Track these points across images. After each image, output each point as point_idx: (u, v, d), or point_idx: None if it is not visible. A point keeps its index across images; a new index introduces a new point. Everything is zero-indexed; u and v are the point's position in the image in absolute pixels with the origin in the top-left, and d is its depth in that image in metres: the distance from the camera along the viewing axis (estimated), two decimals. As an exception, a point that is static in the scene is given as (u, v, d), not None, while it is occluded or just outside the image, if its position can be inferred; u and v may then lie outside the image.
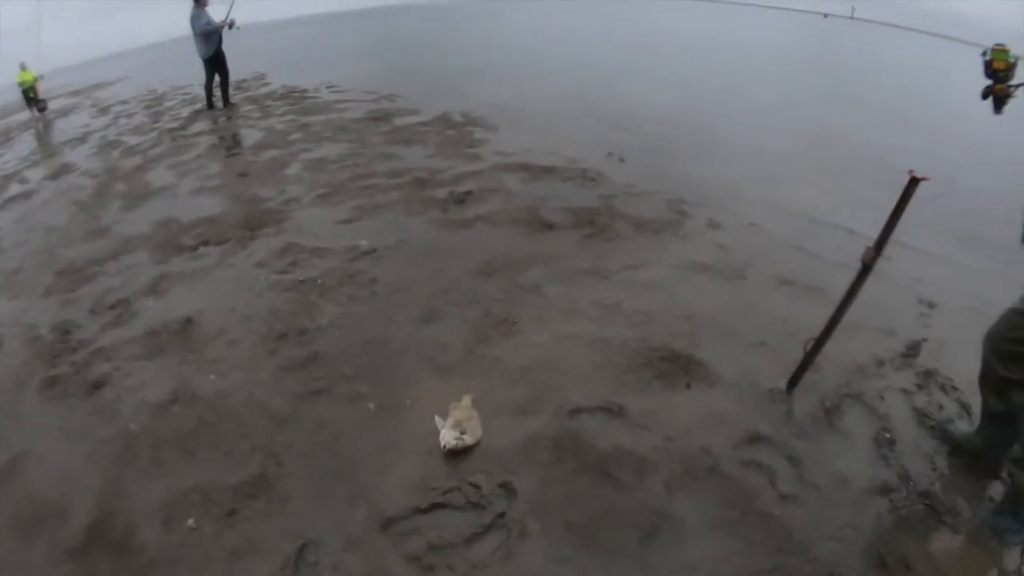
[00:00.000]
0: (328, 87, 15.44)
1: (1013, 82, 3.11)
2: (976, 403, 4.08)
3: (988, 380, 3.53)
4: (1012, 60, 3.13)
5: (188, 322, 5.24)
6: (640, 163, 9.42)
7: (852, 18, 76.32)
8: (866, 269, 3.66)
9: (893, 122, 14.35)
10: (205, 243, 6.80)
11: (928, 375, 4.60)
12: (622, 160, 9.48)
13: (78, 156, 11.59)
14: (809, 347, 4.12)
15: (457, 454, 3.71)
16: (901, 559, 3.16)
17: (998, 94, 3.07)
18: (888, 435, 3.99)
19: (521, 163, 8.99)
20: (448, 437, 3.72)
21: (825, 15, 69.90)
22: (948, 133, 12.38)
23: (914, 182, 3.26)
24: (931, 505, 3.50)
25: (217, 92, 14.35)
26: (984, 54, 3.15)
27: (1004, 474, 3.38)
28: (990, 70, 3.10)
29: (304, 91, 15.18)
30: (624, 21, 37.15)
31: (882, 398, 4.34)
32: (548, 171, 8.73)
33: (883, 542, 3.26)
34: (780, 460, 3.79)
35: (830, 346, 4.02)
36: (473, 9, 46.47)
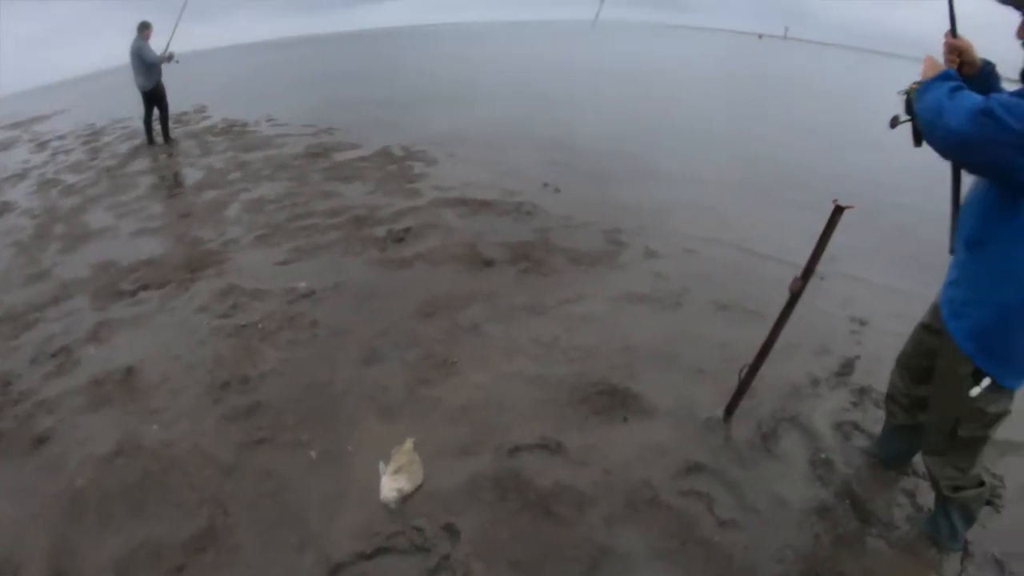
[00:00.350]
0: (268, 120, 15.50)
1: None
2: None
3: (895, 397, 3.83)
4: None
5: (131, 371, 5.25)
6: (576, 193, 9.60)
7: (786, 38, 77.69)
8: (794, 297, 3.83)
9: (825, 142, 14.73)
10: (146, 287, 6.80)
11: (863, 392, 4.85)
12: (558, 191, 9.66)
13: (17, 194, 11.41)
14: (744, 374, 4.32)
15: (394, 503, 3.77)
16: None
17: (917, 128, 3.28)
18: (823, 455, 4.19)
19: (460, 198, 9.14)
20: (387, 491, 3.79)
21: (760, 36, 71.11)
22: (880, 152, 12.68)
23: (839, 210, 3.48)
24: (867, 520, 3.71)
25: (157, 126, 14.21)
26: (902, 93, 3.36)
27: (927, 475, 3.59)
28: (908, 107, 3.31)
29: (244, 125, 15.20)
30: (563, 50, 37.47)
31: (818, 419, 4.54)
32: (486, 205, 8.88)
33: (821, 560, 3.44)
34: (719, 487, 3.95)
35: (766, 370, 4.20)
36: (416, 38, 46.54)
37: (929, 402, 3.41)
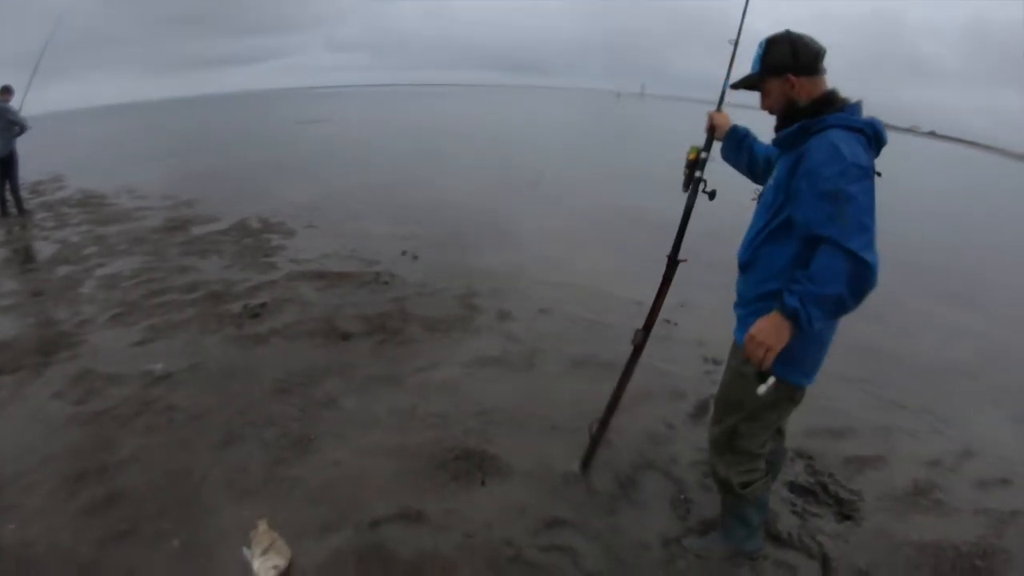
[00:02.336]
0: (127, 191, 15.38)
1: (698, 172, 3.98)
2: None
3: None
4: (702, 154, 4.00)
5: (-16, 466, 5.17)
6: (433, 259, 9.91)
7: (643, 95, 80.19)
8: (637, 350, 4.18)
9: (671, 189, 15.28)
10: (-1, 372, 6.70)
11: None
12: (416, 258, 9.97)
13: None
14: (595, 428, 4.60)
15: None
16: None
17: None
18: (683, 495, 4.49)
19: (317, 270, 9.35)
20: (264, 570, 3.82)
21: (618, 95, 73.23)
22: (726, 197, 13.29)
23: (672, 265, 4.05)
24: (730, 554, 4.00)
25: (11, 196, 13.89)
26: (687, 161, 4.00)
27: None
28: (688, 162, 4.00)
29: (102, 197, 15.02)
30: (421, 113, 37.78)
31: (675, 461, 4.85)
32: (344, 277, 9.11)
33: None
34: (581, 539, 4.15)
35: (620, 420, 4.53)
36: (277, 101, 46.22)
37: (714, 406, 3.92)
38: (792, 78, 3.20)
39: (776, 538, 4.16)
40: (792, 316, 2.84)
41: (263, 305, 8.07)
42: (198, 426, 5.57)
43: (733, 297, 3.66)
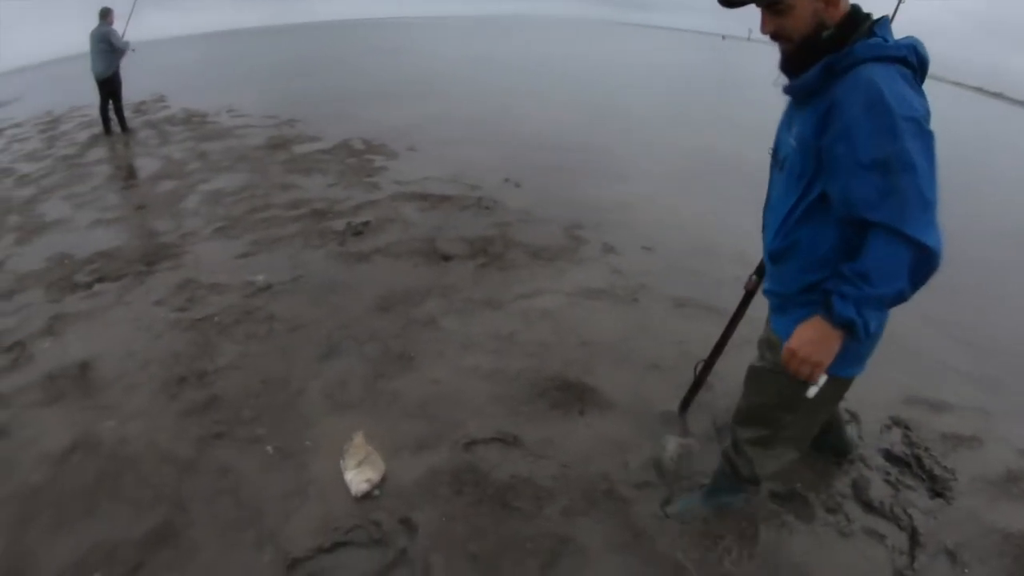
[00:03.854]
0: (229, 111, 15.32)
1: None
2: (862, 410, 4.71)
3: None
4: None
5: (86, 366, 5.17)
6: (537, 188, 9.63)
7: (749, 39, 78.14)
8: (749, 295, 3.88)
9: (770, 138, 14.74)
10: (102, 280, 6.71)
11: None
12: (518, 186, 9.69)
13: (-31, 184, 11.32)
14: (699, 369, 4.36)
15: (368, 495, 3.78)
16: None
17: None
18: None
19: (419, 192, 9.15)
20: (357, 482, 3.78)
21: (723, 37, 71.45)
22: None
23: None
24: (813, 509, 3.81)
25: (114, 116, 14.03)
26: None
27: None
28: None
29: (204, 115, 15.00)
30: (530, 44, 37.36)
31: None
32: (446, 200, 8.90)
33: (772, 547, 3.50)
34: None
35: (721, 365, 4.25)
36: (380, 29, 46.17)
37: (744, 403, 3.32)
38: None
39: (868, 505, 3.90)
40: (846, 326, 2.34)
41: (366, 223, 7.93)
42: (298, 337, 5.51)
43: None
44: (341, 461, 3.94)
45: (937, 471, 4.28)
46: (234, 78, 21.32)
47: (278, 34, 42.95)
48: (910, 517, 3.85)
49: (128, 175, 10.88)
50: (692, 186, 10.50)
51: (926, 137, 2.21)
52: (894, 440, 4.57)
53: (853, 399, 4.56)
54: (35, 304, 6.34)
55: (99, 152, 12.58)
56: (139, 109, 16.11)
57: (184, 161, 11.30)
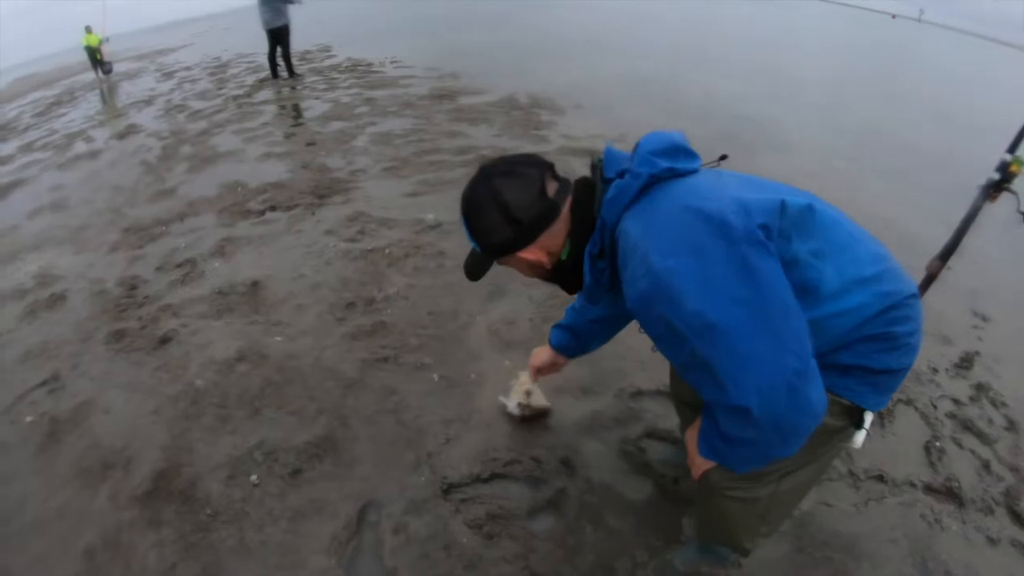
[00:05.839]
0: (392, 62, 15.32)
1: None
2: (1023, 420, 4.20)
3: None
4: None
5: (256, 285, 5.21)
6: (706, 155, 9.30)
7: (920, 20, 75.34)
8: (930, 278, 3.71)
9: (960, 128, 13.98)
10: (273, 208, 6.78)
11: (980, 388, 4.49)
12: (691, 150, 9.36)
13: (144, 118, 11.66)
14: None
15: (527, 420, 3.69)
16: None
17: None
18: (938, 444, 3.89)
19: (588, 148, 8.85)
20: (518, 408, 3.65)
21: (894, 16, 68.93)
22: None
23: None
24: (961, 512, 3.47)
25: (281, 62, 14.36)
26: None
27: None
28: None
29: (369, 65, 15.08)
30: (697, 12, 36.69)
31: (935, 406, 4.23)
32: (615, 156, 8.62)
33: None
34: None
35: None
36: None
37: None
38: (524, 255, 2.14)
39: (1017, 516, 3.49)
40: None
41: (537, 172, 7.69)
42: (467, 275, 5.32)
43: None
44: (502, 398, 3.80)
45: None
46: (397, 31, 21.39)
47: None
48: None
49: (296, 115, 11.03)
50: (862, 164, 9.95)
51: (716, 264, 1.75)
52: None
53: (1014, 407, 4.30)
54: (207, 228, 6.45)
55: (267, 94, 12.87)
56: (304, 57, 16.36)
57: (352, 105, 11.33)
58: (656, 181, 1.98)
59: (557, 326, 3.07)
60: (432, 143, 8.85)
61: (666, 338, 1.87)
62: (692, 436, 2.23)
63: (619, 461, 3.51)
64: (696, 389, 1.91)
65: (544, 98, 11.72)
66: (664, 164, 1.98)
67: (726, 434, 1.90)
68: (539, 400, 3.71)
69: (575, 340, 3.00)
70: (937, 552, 3.16)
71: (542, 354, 3.21)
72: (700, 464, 2.17)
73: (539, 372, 3.27)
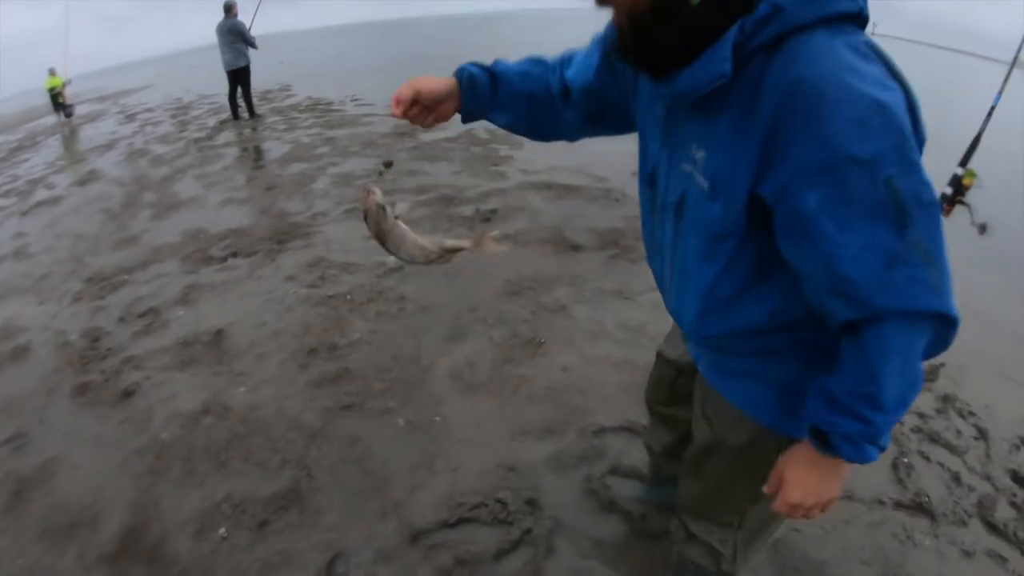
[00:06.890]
0: (353, 100, 15.46)
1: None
2: (992, 428, 4.28)
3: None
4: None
5: (219, 334, 5.26)
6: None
7: (872, 34, 76.47)
8: None
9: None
10: (234, 255, 6.83)
11: (946, 399, 4.58)
12: (647, 181, 9.46)
13: (105, 163, 11.74)
14: None
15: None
16: None
17: None
18: (906, 459, 3.98)
19: (546, 182, 8.97)
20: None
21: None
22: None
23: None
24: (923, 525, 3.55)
25: (242, 103, 14.44)
26: None
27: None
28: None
29: (329, 103, 15.21)
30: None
31: (900, 422, 4.32)
32: (573, 190, 8.71)
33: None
34: None
35: None
36: (505, 22, 46.21)
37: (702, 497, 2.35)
38: None
39: (992, 526, 3.59)
40: (858, 460, 1.57)
41: (493, 211, 7.80)
42: (428, 318, 5.43)
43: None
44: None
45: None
46: (357, 70, 21.54)
47: (400, 27, 43.30)
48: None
49: (257, 157, 11.13)
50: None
51: (918, 153, 1.33)
52: (1022, 460, 4.26)
53: (983, 416, 4.39)
54: (170, 275, 6.51)
55: (228, 135, 12.98)
56: (265, 97, 16.48)
57: (312, 145, 11.43)
58: (855, 22, 1.45)
59: (481, 64, 2.13)
60: (393, 183, 8.89)
61: (870, 214, 1.30)
62: (798, 453, 1.71)
63: (585, 499, 3.56)
64: (862, 296, 1.37)
65: (502, 133, 11.75)
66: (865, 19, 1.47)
67: (897, 387, 1.45)
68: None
69: (491, 84, 2.09)
70: (910, 570, 3.23)
71: (427, 82, 2.02)
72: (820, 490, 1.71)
73: (403, 108, 2.00)
